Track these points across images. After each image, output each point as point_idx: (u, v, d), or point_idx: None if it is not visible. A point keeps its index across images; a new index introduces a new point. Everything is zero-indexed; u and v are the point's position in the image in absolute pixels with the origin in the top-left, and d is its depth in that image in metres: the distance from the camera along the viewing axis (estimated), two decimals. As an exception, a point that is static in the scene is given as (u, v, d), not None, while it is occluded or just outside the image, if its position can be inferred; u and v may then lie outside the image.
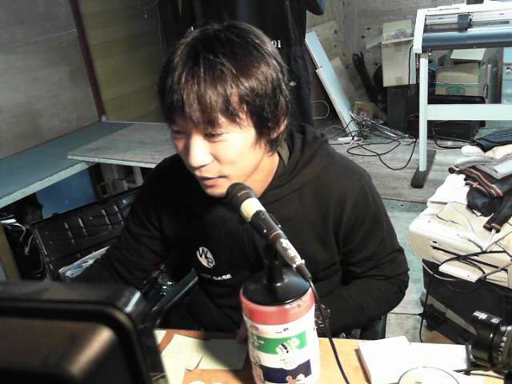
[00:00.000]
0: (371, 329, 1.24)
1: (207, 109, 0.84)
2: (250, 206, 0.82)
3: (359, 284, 1.13)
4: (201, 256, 1.12)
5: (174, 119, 0.88)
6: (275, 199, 1.02)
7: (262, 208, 0.82)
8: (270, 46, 0.92)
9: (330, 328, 0.97)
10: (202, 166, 0.90)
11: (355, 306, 1.08)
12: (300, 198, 1.03)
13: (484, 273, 1.73)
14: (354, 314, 1.08)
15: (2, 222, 2.69)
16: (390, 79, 4.33)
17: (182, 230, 1.12)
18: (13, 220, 2.88)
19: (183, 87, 0.84)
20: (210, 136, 0.87)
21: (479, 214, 1.80)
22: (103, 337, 0.34)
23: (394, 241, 1.14)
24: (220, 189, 0.94)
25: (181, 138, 0.91)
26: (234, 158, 0.90)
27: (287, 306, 0.79)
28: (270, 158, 1.00)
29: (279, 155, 1.04)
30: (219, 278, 1.13)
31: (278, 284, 0.83)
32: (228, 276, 1.12)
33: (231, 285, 1.13)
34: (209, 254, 1.11)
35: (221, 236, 1.08)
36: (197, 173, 0.92)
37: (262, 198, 1.01)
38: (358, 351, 0.98)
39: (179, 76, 0.85)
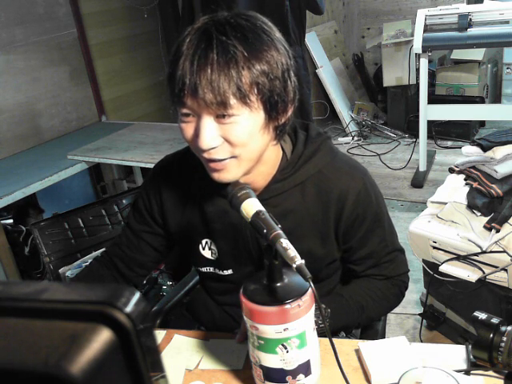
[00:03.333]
0: (371, 327, 1.24)
1: (220, 91, 0.85)
2: (250, 206, 0.82)
3: (360, 284, 1.13)
4: (204, 249, 1.13)
5: (185, 102, 0.88)
6: (278, 193, 1.03)
7: (262, 208, 0.82)
8: (278, 33, 0.94)
9: (330, 327, 0.97)
10: (212, 148, 0.90)
11: (355, 306, 1.08)
12: (302, 192, 1.04)
13: (484, 273, 1.73)
14: (354, 315, 1.08)
15: (2, 222, 2.69)
16: (390, 79, 4.33)
17: (185, 223, 1.12)
18: (11, 221, 2.88)
19: (196, 70, 0.85)
20: (220, 117, 0.88)
21: (479, 214, 1.80)
22: (103, 337, 0.34)
23: (395, 241, 1.14)
24: (228, 173, 0.94)
25: (190, 122, 0.91)
26: (244, 139, 0.90)
27: (287, 306, 0.79)
28: (275, 149, 1.01)
29: (283, 150, 1.05)
30: (221, 273, 1.13)
31: (278, 284, 0.83)
32: (230, 271, 1.13)
33: (233, 281, 1.13)
34: (213, 246, 1.11)
35: (224, 228, 1.08)
36: (205, 155, 0.92)
37: (265, 192, 1.02)
38: (358, 351, 0.98)
39: (192, 59, 0.86)
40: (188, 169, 1.02)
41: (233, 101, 0.86)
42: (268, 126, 0.93)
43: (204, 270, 1.17)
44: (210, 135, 0.89)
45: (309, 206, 1.04)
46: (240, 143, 0.90)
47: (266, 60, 0.87)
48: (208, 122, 0.88)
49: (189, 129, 0.92)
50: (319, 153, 1.04)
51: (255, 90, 0.87)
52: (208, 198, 1.07)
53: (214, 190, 1.03)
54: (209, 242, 1.12)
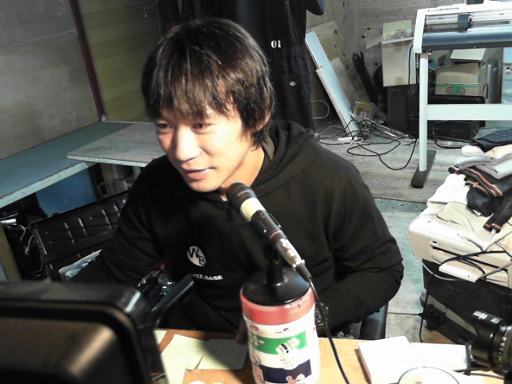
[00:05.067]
0: (370, 322, 1.23)
1: (195, 101, 0.84)
2: (250, 206, 0.82)
3: (356, 278, 1.12)
4: (191, 256, 1.12)
5: (161, 113, 0.88)
6: (262, 194, 1.01)
7: (262, 208, 0.82)
8: (251, 40, 0.93)
9: (329, 325, 0.97)
10: (190, 158, 0.90)
11: (353, 300, 1.08)
12: (287, 193, 1.03)
13: (484, 273, 1.73)
14: (352, 309, 1.08)
15: (2, 222, 2.69)
16: (390, 79, 4.33)
17: (171, 229, 1.12)
18: (13, 220, 2.89)
19: (170, 80, 0.85)
20: (197, 127, 0.88)
21: (479, 214, 1.80)
22: (103, 337, 0.34)
23: (385, 232, 1.14)
24: (207, 183, 0.94)
25: (167, 133, 0.91)
26: (222, 149, 0.90)
27: (287, 306, 0.79)
28: (255, 152, 1.01)
29: (264, 151, 1.04)
30: (210, 278, 1.13)
31: (278, 284, 0.83)
32: (219, 277, 1.12)
33: (223, 286, 1.13)
34: (200, 253, 1.11)
35: (210, 233, 1.08)
36: (184, 166, 0.92)
37: None
38: (358, 351, 0.98)
39: (165, 69, 0.85)
40: (174, 174, 1.02)
41: (209, 110, 0.86)
42: (245, 133, 0.93)
43: (194, 276, 1.17)
44: (188, 146, 0.88)
45: (295, 207, 1.04)
46: (218, 152, 0.90)
47: (240, 68, 0.87)
48: (185, 133, 0.88)
49: (166, 140, 0.92)
50: (302, 152, 1.04)
51: (231, 99, 0.87)
52: (193, 203, 1.07)
53: (200, 195, 1.03)
54: (196, 249, 1.11)
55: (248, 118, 0.91)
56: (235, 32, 0.90)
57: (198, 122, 0.87)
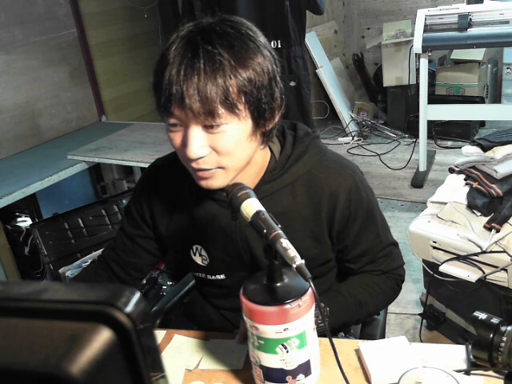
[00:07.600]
0: (370, 323, 1.23)
1: (207, 100, 0.84)
2: (250, 206, 0.82)
3: (357, 280, 1.12)
4: (195, 255, 1.12)
5: (172, 111, 0.88)
6: (267, 194, 1.02)
7: (262, 208, 0.82)
8: (263, 38, 0.93)
9: (329, 325, 0.97)
10: (200, 157, 0.90)
11: (354, 302, 1.08)
12: (292, 193, 1.03)
13: (484, 273, 1.73)
14: (352, 311, 1.08)
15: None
16: (390, 79, 4.33)
17: (175, 228, 1.12)
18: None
19: (183, 79, 0.85)
20: (209, 127, 0.88)
21: (479, 214, 1.80)
22: (103, 337, 0.34)
23: (388, 235, 1.14)
24: (216, 181, 0.94)
25: (177, 131, 0.91)
26: (232, 149, 0.90)
27: (287, 306, 0.79)
28: (263, 151, 1.01)
29: (271, 151, 1.04)
30: (213, 277, 1.13)
31: (278, 284, 0.83)
32: (222, 276, 1.12)
33: (226, 285, 1.13)
34: (203, 252, 1.11)
35: (214, 233, 1.08)
36: (194, 165, 0.92)
37: (255, 193, 1.02)
38: (357, 351, 0.98)
39: (178, 68, 0.85)
40: (178, 173, 1.02)
41: (221, 110, 0.86)
42: (255, 133, 0.93)
43: (197, 275, 1.17)
44: (198, 145, 0.88)
45: (300, 207, 1.04)
46: (227, 152, 0.90)
47: (252, 68, 0.87)
48: (196, 132, 0.88)
49: (176, 138, 0.92)
50: (308, 153, 1.04)
51: (243, 99, 0.87)
52: (197, 202, 1.07)
53: (204, 194, 1.03)
54: (199, 248, 1.11)
55: (259, 118, 0.91)
56: (247, 31, 0.90)
57: (209, 122, 0.87)
